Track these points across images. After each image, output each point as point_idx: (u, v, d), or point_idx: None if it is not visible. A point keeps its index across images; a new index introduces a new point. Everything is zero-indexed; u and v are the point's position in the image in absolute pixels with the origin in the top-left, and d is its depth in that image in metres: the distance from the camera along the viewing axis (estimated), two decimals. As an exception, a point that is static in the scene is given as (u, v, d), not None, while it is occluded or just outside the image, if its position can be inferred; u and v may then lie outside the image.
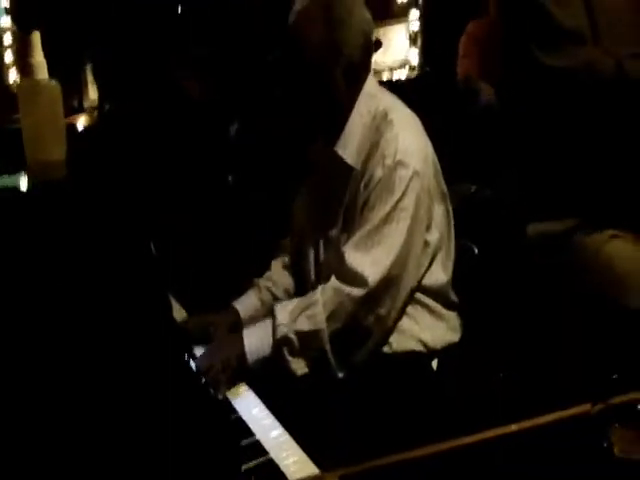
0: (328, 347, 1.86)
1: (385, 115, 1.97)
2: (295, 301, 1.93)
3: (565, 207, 1.86)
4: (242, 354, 1.86)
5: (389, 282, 1.88)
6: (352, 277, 1.87)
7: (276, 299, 2.19)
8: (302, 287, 2.16)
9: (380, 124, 1.96)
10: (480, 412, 1.81)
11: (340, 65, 1.92)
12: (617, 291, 1.76)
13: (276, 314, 1.89)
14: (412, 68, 5.35)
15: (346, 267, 1.88)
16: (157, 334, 1.54)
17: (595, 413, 1.14)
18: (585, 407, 1.15)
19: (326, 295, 1.87)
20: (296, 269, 2.23)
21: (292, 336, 1.86)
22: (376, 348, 1.93)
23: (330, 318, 1.86)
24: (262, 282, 2.22)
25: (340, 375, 1.88)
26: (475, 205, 2.51)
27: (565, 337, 1.87)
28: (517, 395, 1.91)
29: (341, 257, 1.90)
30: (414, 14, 5.42)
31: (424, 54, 5.36)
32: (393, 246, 1.87)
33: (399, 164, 1.89)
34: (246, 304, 2.17)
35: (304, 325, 1.86)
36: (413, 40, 5.38)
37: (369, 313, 1.88)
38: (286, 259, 2.27)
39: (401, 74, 5.32)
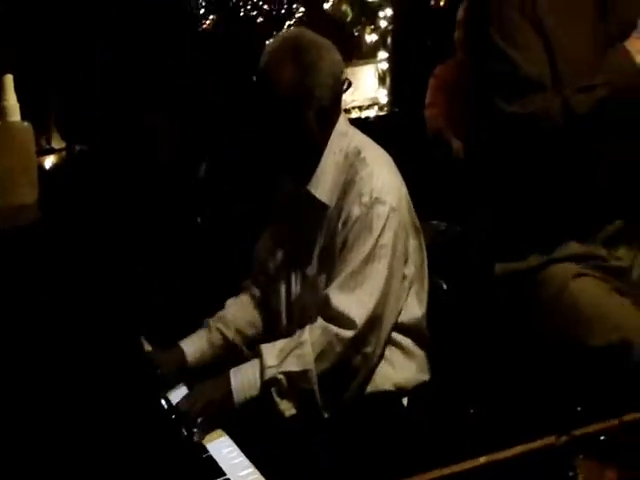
0: (316, 387, 1.85)
1: (358, 153, 1.99)
2: (282, 341, 1.92)
3: (530, 246, 1.89)
4: (228, 394, 1.85)
5: (374, 321, 1.89)
6: (339, 318, 1.87)
7: (226, 341, 2.16)
8: (271, 325, 2.16)
9: (353, 162, 1.98)
10: (450, 446, 1.82)
11: (312, 107, 1.94)
12: (581, 329, 1.78)
13: (263, 355, 1.87)
14: (381, 107, 5.45)
15: (332, 309, 1.88)
16: (129, 375, 1.54)
17: (560, 445, 1.17)
18: (550, 439, 1.17)
19: (314, 335, 1.86)
20: (265, 306, 2.22)
21: (281, 377, 1.84)
22: (361, 387, 1.93)
23: (318, 358, 1.85)
24: (213, 322, 2.19)
25: (326, 415, 1.87)
26: (445, 242, 2.55)
27: (531, 372, 1.90)
28: (486, 429, 1.93)
29: (325, 299, 1.90)
30: (382, 54, 5.54)
31: (392, 93, 5.45)
32: (376, 285, 1.89)
33: (376, 201, 1.91)
34: (193, 345, 2.14)
35: (293, 366, 1.85)
36: (382, 80, 5.48)
37: (357, 353, 1.88)
38: (243, 299, 2.25)
39: (370, 113, 5.41)
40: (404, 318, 2.00)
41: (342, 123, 2.04)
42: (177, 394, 1.93)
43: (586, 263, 1.87)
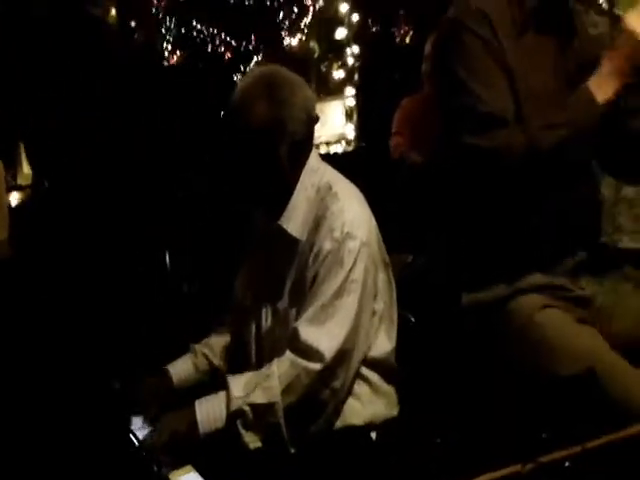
0: (282, 421, 1.85)
1: (329, 188, 2.01)
2: (250, 374, 1.92)
3: (495, 277, 1.91)
4: (194, 424, 1.84)
5: (343, 355, 1.90)
6: (308, 352, 1.87)
7: (211, 366, 2.19)
8: (242, 358, 2.16)
9: (325, 197, 2.00)
10: (418, 476, 1.83)
11: (285, 142, 1.95)
12: (548, 359, 1.80)
13: (230, 386, 1.87)
14: (348, 142, 5.52)
15: (301, 342, 1.88)
16: (98, 414, 1.54)
17: (526, 472, 1.18)
18: (516, 467, 1.19)
19: (282, 368, 1.87)
20: (236, 339, 2.22)
21: (246, 409, 1.84)
22: (329, 422, 1.93)
23: (285, 391, 1.85)
24: (199, 347, 2.22)
25: (292, 450, 1.87)
26: (411, 274, 2.58)
27: (498, 401, 1.91)
28: (453, 459, 1.94)
29: (295, 332, 1.91)
30: (350, 91, 5.62)
31: (359, 129, 5.53)
32: (346, 319, 1.89)
33: (347, 236, 1.92)
34: (180, 368, 2.17)
35: (259, 398, 1.85)
36: (349, 115, 5.56)
37: (324, 387, 1.88)
38: (225, 329, 2.27)
39: (338, 148, 5.48)
40: (373, 353, 2.01)
41: (314, 159, 2.06)
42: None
43: (551, 293, 1.89)
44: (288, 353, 1.90)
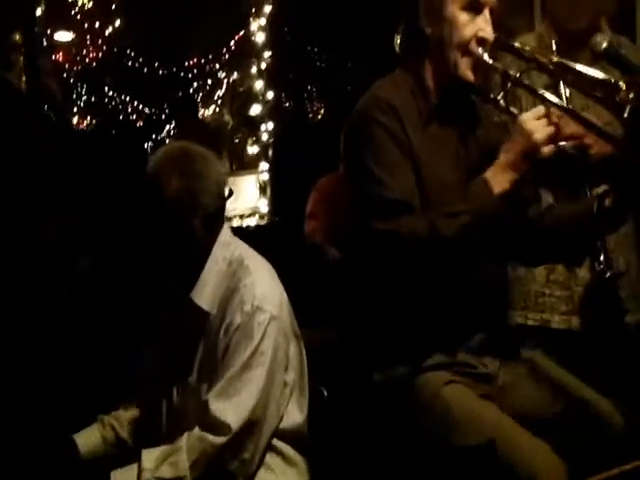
0: None
1: (241, 262, 2.04)
2: (163, 447, 1.93)
3: (404, 354, 1.96)
4: None
5: (251, 427, 1.92)
6: (215, 425, 1.89)
7: (119, 439, 2.18)
8: (152, 431, 2.15)
9: (237, 270, 2.03)
10: None
11: (197, 215, 1.99)
12: (453, 431, 1.86)
13: (142, 458, 1.89)
14: (261, 216, 5.57)
15: (210, 416, 1.90)
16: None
17: None
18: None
19: (190, 442, 1.89)
20: (145, 413, 2.21)
21: None
22: None
23: (193, 466, 1.87)
24: (107, 419, 2.20)
25: None
26: (323, 349, 2.60)
27: (408, 473, 1.95)
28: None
29: (204, 406, 1.92)
30: (264, 165, 5.71)
31: (273, 203, 5.60)
32: (254, 391, 1.92)
33: (257, 310, 1.96)
34: (86, 439, 2.14)
35: (166, 472, 1.86)
36: (263, 190, 5.63)
37: (233, 459, 1.90)
38: (134, 402, 2.25)
39: (251, 221, 5.52)
40: (285, 425, 2.04)
41: (225, 233, 2.10)
42: None
43: (456, 370, 1.96)
44: (197, 428, 1.91)
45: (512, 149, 1.85)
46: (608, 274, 2.43)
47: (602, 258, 2.42)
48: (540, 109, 1.84)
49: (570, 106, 1.93)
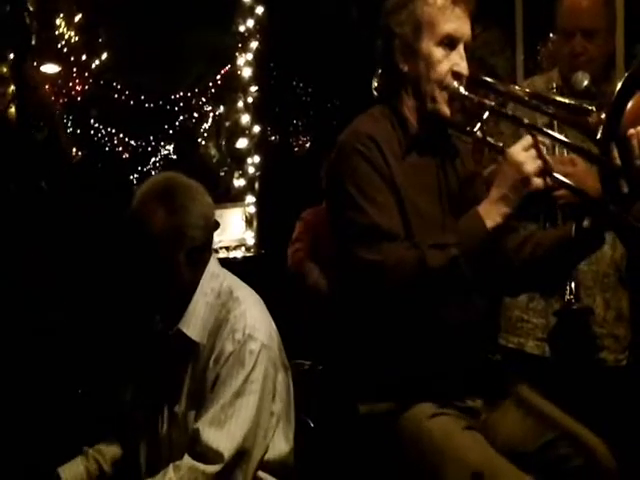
0: None
1: (230, 293, 2.05)
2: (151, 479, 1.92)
3: (389, 388, 1.96)
4: None
5: (242, 455, 1.92)
6: (207, 454, 1.89)
7: (102, 472, 2.16)
8: (133, 465, 2.13)
9: (226, 301, 2.03)
10: None
11: (184, 248, 1.99)
12: (437, 461, 1.84)
13: None
14: (248, 248, 5.58)
15: (202, 444, 1.89)
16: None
17: None
18: None
19: (180, 473, 1.88)
20: (127, 446, 2.20)
21: None
22: None
23: None
24: (91, 452, 2.19)
25: None
26: (309, 381, 2.60)
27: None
28: None
29: (195, 434, 1.92)
30: (250, 198, 5.73)
31: (259, 236, 5.62)
32: (245, 419, 1.92)
33: (249, 338, 1.96)
34: (70, 472, 2.13)
35: None
36: (249, 222, 5.65)
37: None
38: (115, 437, 2.24)
39: (237, 253, 5.53)
40: (271, 455, 2.03)
41: (213, 264, 2.10)
42: None
43: (442, 403, 1.95)
44: (186, 458, 1.90)
45: (503, 183, 1.85)
46: (575, 306, 2.48)
47: (572, 288, 2.47)
48: (528, 139, 1.83)
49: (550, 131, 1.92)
